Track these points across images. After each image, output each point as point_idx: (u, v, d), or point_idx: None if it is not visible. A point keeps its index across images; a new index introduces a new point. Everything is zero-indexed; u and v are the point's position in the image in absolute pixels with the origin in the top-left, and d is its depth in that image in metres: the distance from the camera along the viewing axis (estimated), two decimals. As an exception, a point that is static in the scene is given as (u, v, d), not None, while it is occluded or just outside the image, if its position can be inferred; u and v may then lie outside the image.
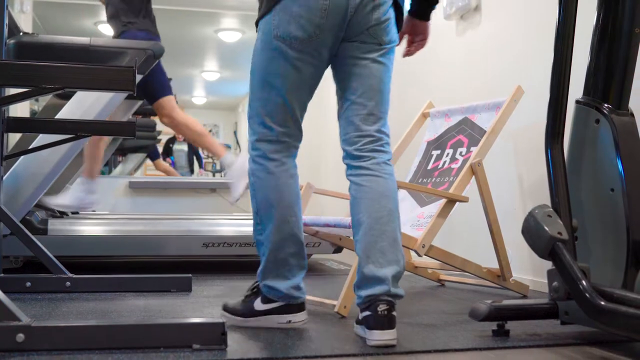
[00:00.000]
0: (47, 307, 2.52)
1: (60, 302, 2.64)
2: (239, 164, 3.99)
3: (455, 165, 3.03)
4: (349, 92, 2.12)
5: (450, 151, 3.13)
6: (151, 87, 3.85)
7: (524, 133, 3.33)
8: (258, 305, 2.17)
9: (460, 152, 3.05)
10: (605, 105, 2.10)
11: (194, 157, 10.51)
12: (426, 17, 2.34)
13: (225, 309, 2.24)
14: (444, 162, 3.12)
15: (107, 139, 4.12)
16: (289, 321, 2.16)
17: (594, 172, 2.11)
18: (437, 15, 4.42)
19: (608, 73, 2.10)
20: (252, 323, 2.17)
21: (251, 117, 2.15)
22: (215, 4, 7.40)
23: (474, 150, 2.90)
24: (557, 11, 2.07)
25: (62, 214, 4.13)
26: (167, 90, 4.00)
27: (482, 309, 2.05)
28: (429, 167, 3.19)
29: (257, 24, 2.12)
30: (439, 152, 3.20)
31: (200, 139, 4.10)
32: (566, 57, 2.06)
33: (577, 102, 2.17)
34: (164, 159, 9.53)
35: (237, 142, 13.05)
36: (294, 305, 2.16)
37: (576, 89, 2.19)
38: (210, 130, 12.82)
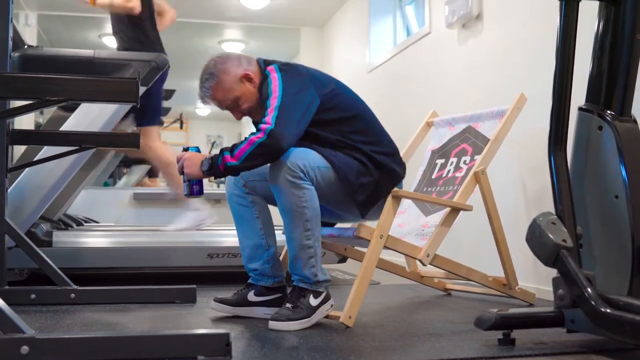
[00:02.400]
0: (52, 319, 2.52)
1: (64, 314, 2.64)
2: (196, 214, 4.05)
3: (459, 174, 3.02)
4: None
5: (455, 160, 3.12)
6: (145, 110, 3.86)
7: (527, 140, 3.33)
8: (313, 301, 2.39)
9: (464, 161, 3.05)
10: (608, 111, 2.10)
11: None
12: None
13: (289, 318, 2.34)
14: (448, 170, 3.11)
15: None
16: (332, 305, 2.48)
17: (598, 179, 2.10)
18: (439, 24, 4.43)
19: (610, 80, 2.10)
20: (315, 319, 2.39)
21: None
22: (218, 15, 7.42)
23: (478, 158, 2.90)
24: (559, 18, 2.07)
25: (66, 226, 4.13)
26: (157, 120, 4.06)
27: (488, 318, 2.04)
28: (434, 176, 3.18)
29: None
30: (443, 160, 3.20)
31: (165, 170, 4.11)
32: (568, 64, 2.06)
33: (580, 109, 2.17)
34: None
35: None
36: (328, 292, 2.47)
37: (579, 95, 2.19)
38: (214, 142, 12.80)
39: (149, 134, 3.99)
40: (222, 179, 2.51)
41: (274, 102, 2.37)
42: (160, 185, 8.74)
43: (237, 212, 2.61)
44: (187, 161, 2.43)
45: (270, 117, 2.33)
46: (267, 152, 2.32)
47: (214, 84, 2.52)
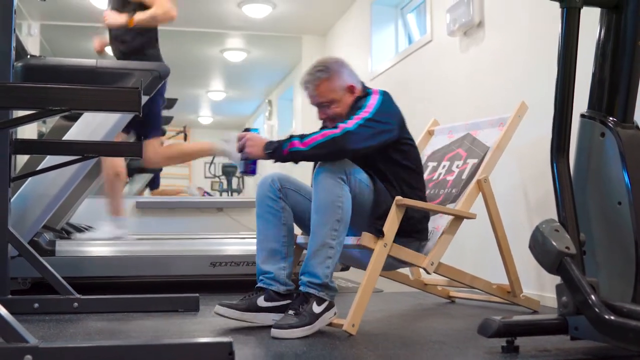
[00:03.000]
0: (55, 328, 2.51)
1: (68, 323, 2.64)
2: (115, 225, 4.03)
3: (450, 177, 3.02)
4: None
5: (447, 163, 3.12)
6: (145, 123, 3.86)
7: (529, 147, 3.33)
8: (317, 308, 2.38)
9: (457, 165, 3.05)
10: (610, 118, 2.10)
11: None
12: None
13: (292, 325, 2.32)
14: (439, 174, 3.11)
15: (124, 178, 4.12)
16: (335, 313, 2.48)
17: (601, 185, 2.10)
18: (440, 32, 4.43)
19: (612, 86, 2.10)
20: (318, 326, 2.38)
21: None
22: (220, 24, 7.44)
23: (471, 162, 2.90)
24: (560, 25, 2.07)
25: (69, 235, 4.13)
26: (159, 131, 4.08)
27: (492, 325, 2.03)
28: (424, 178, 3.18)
29: None
30: (434, 164, 3.20)
31: (187, 155, 4.12)
32: (570, 70, 2.06)
33: (582, 115, 2.17)
34: None
35: (244, 161, 13.09)
36: (332, 301, 2.46)
37: (581, 102, 2.19)
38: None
39: (151, 145, 4.00)
40: (280, 162, 2.52)
41: (363, 114, 2.50)
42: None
43: (263, 214, 2.61)
44: (249, 140, 2.50)
45: (353, 122, 2.47)
46: (334, 148, 2.43)
47: (324, 77, 2.64)
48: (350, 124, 2.46)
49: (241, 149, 2.52)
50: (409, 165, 2.66)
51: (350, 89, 2.67)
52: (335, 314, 2.47)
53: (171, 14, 3.98)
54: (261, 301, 2.53)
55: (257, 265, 2.61)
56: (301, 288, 2.42)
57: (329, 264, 2.39)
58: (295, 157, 2.45)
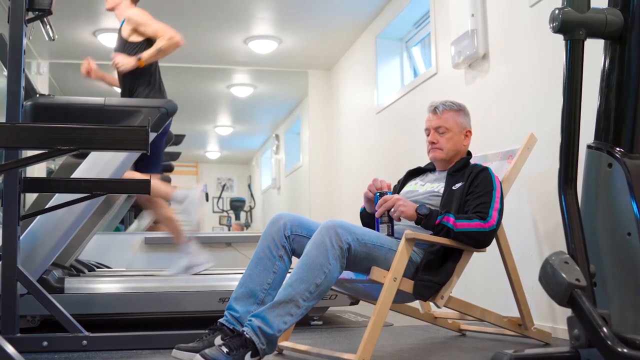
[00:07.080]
0: (64, 367, 2.50)
1: (77, 361, 2.63)
2: (190, 197, 4.04)
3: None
4: None
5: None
6: (147, 159, 3.88)
7: (538, 178, 3.33)
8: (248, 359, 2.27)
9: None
10: (617, 149, 2.10)
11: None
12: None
13: None
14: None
15: (162, 202, 4.14)
16: None
17: (609, 216, 2.09)
18: (445, 64, 4.46)
19: (618, 117, 2.10)
20: None
21: None
22: (227, 60, 7.52)
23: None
24: (564, 56, 2.08)
25: (78, 272, 4.13)
26: (157, 169, 4.12)
27: (503, 359, 2.02)
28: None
29: None
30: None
31: (166, 223, 4.20)
32: (575, 102, 2.07)
33: (589, 146, 2.17)
34: None
35: (252, 195, 13.09)
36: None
37: (587, 133, 2.19)
38: (224, 185, 12.85)
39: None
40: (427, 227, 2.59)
41: (497, 201, 2.65)
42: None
43: (260, 253, 2.57)
44: (401, 201, 2.58)
45: (494, 220, 2.59)
46: (477, 240, 2.56)
47: (455, 108, 2.97)
48: (494, 220, 2.58)
49: (383, 211, 2.59)
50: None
51: (468, 133, 2.98)
52: None
53: (175, 40, 4.00)
54: (218, 340, 2.38)
55: (230, 300, 2.52)
56: (246, 330, 2.28)
57: (287, 321, 2.29)
58: (441, 230, 2.54)
